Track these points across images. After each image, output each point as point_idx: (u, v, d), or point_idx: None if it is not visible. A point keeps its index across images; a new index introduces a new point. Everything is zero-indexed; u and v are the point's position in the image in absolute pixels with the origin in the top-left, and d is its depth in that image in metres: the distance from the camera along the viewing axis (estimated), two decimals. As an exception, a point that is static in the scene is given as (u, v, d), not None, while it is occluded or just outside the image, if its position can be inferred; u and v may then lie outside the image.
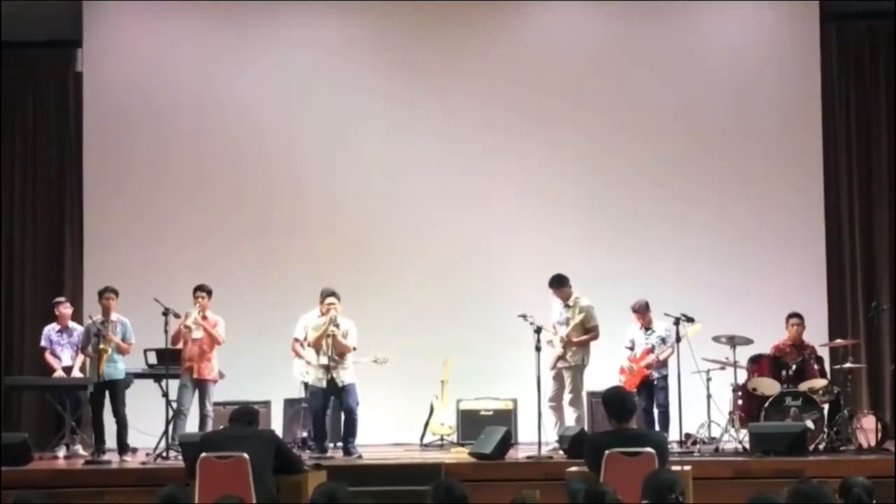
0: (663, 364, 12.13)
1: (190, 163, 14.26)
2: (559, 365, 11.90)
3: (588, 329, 11.96)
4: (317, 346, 11.69)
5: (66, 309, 12.80)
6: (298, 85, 14.31)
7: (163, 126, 14.28)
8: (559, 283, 12.03)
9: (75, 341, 12.60)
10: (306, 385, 12.22)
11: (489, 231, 14.04)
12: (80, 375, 12.49)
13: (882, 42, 14.17)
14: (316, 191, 14.20)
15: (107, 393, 11.81)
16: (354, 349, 11.76)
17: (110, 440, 11.89)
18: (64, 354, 12.64)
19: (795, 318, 12.28)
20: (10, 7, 13.70)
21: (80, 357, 12.55)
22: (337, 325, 11.64)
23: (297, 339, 12.30)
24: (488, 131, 14.14)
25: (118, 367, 11.86)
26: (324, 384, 11.66)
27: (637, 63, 14.22)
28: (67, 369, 12.59)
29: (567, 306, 12.01)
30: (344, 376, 11.68)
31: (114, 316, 11.85)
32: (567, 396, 11.86)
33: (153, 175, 14.24)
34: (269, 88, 14.31)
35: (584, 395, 12.07)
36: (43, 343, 12.74)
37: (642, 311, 12.28)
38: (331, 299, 11.70)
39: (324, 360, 11.62)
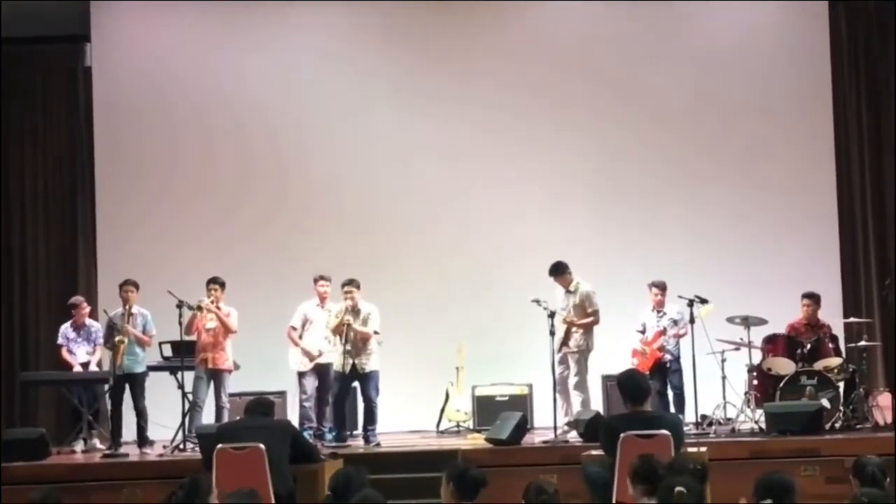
0: (675, 345, 12.13)
1: (200, 155, 14.28)
2: (564, 350, 11.89)
3: (588, 313, 11.90)
4: (337, 332, 11.76)
5: (83, 309, 12.79)
6: (306, 74, 14.31)
7: (172, 119, 14.29)
8: (559, 271, 11.98)
9: (92, 338, 12.62)
10: (300, 374, 12.26)
11: (501, 215, 14.02)
12: (98, 370, 12.54)
13: (891, 20, 14.09)
14: (326, 179, 14.20)
15: (126, 386, 11.86)
16: (376, 333, 11.80)
17: (128, 433, 11.94)
18: (79, 351, 12.64)
19: (807, 298, 12.24)
20: (17, 3, 13.72)
21: (98, 353, 12.59)
22: (355, 313, 11.68)
23: (293, 328, 12.30)
24: (500, 116, 14.11)
25: (138, 360, 11.89)
26: (346, 370, 11.71)
27: (648, 44, 14.16)
28: (84, 366, 12.60)
29: (569, 292, 11.98)
30: (367, 363, 11.75)
31: (134, 308, 11.89)
32: (573, 380, 11.82)
33: (164, 168, 14.26)
34: (277, 79, 14.31)
35: (588, 378, 11.98)
36: (60, 341, 12.75)
37: (663, 287, 12.26)
38: (348, 287, 11.77)
39: (345, 347, 11.66)
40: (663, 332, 12.15)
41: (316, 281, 12.32)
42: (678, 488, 5.78)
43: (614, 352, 12.29)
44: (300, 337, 12.26)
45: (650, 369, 11.94)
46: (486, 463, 9.80)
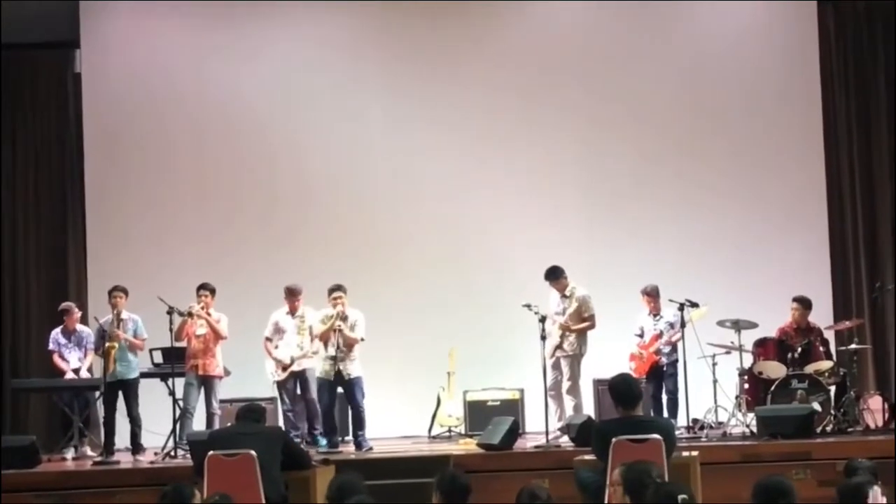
0: (673, 349, 12.11)
1: (191, 160, 14.24)
2: (557, 354, 11.89)
3: (585, 318, 11.91)
4: (325, 338, 11.73)
5: (74, 315, 12.75)
6: (298, 79, 14.28)
7: (163, 124, 14.25)
8: (555, 276, 11.99)
9: (83, 344, 12.59)
10: (278, 384, 12.19)
11: (492, 220, 14.01)
12: (89, 376, 12.51)
13: (880, 21, 14.13)
14: (319, 185, 14.17)
15: (119, 393, 11.82)
16: (362, 340, 11.79)
17: (119, 440, 11.90)
18: (71, 357, 12.60)
19: (795, 302, 12.21)
20: (7, 8, 13.68)
21: (89, 358, 12.57)
22: (344, 319, 11.68)
23: (267, 339, 12.24)
24: (491, 119, 14.11)
25: (131, 366, 11.87)
26: (332, 377, 11.70)
27: (638, 46, 14.18)
28: (76, 372, 12.55)
29: (564, 296, 11.98)
30: (351, 369, 11.72)
31: (125, 314, 11.86)
32: (566, 384, 11.83)
33: (155, 174, 14.21)
34: (269, 84, 14.27)
35: (580, 383, 12.01)
36: (51, 346, 12.69)
37: (655, 293, 12.25)
38: (337, 293, 11.74)
39: (332, 353, 11.65)
40: (660, 335, 12.14)
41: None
42: (682, 496, 5.78)
43: (605, 356, 12.25)
44: (275, 346, 12.25)
45: (647, 373, 11.95)
46: (478, 468, 9.82)
